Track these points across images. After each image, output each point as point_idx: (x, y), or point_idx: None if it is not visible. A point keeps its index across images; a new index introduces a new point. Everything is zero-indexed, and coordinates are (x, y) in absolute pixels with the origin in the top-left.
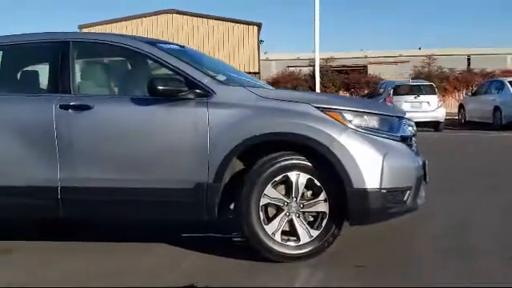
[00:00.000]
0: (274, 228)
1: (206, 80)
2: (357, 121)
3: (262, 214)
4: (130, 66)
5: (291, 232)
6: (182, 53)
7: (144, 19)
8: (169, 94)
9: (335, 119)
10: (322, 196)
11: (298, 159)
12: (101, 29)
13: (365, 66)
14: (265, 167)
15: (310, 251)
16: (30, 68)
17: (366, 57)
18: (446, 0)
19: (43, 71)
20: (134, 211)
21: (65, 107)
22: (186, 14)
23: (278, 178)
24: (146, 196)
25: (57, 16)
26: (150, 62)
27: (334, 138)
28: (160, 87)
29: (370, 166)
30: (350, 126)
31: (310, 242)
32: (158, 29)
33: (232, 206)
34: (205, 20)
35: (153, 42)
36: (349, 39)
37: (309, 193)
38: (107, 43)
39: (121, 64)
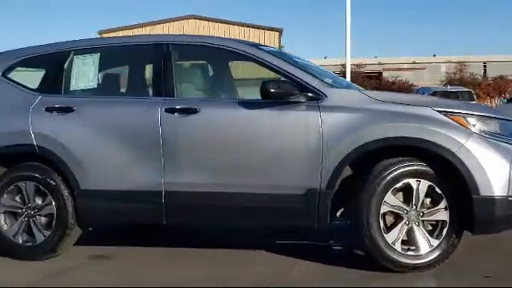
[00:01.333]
0: (394, 237)
1: (316, 83)
2: (480, 125)
3: (381, 223)
4: (231, 69)
5: (409, 241)
6: (284, 55)
7: (164, 25)
8: (280, 96)
9: (459, 123)
10: (443, 204)
11: (418, 165)
12: (121, 34)
13: (380, 73)
14: (385, 173)
15: (429, 261)
16: (129, 70)
17: (379, 63)
18: (461, 7)
19: (141, 73)
20: (242, 217)
21: (170, 110)
22: (205, 20)
23: (398, 185)
24: (255, 202)
25: (75, 22)
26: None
27: (461, 143)
28: (272, 90)
29: (497, 172)
30: (474, 130)
31: (430, 251)
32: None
33: (338, 214)
34: (225, 25)
35: (256, 45)
36: (363, 46)
37: (428, 200)
38: (210, 46)
39: (223, 67)
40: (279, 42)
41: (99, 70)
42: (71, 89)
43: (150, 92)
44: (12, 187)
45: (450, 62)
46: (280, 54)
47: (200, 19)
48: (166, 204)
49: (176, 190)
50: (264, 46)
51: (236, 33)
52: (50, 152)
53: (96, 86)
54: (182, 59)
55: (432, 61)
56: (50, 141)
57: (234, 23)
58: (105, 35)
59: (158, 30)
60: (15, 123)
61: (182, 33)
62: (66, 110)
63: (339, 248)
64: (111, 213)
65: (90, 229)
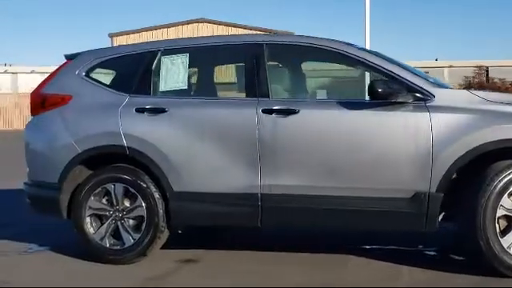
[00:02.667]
0: (510, 241)
1: (422, 82)
2: None
3: (497, 227)
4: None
5: None
6: (381, 55)
7: (174, 28)
8: (388, 96)
9: None
10: None
11: None
12: (131, 37)
13: None
14: (502, 176)
15: None
16: (219, 70)
17: None
18: (461, 12)
19: (233, 74)
20: (343, 221)
21: (268, 111)
22: (215, 23)
23: None
24: (357, 205)
25: (86, 25)
26: (350, 63)
27: None
28: (380, 89)
29: None
30: None
31: None
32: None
33: (440, 217)
34: (234, 29)
35: (352, 44)
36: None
37: None
38: (305, 45)
39: (317, 67)
40: None
41: (189, 71)
42: (161, 89)
43: (243, 93)
44: (99, 189)
45: (452, 66)
46: (376, 54)
47: (210, 23)
48: (262, 206)
49: (273, 193)
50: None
51: None
52: (142, 153)
53: (186, 87)
54: (275, 59)
55: (434, 65)
56: (141, 142)
57: (244, 27)
58: (115, 38)
59: (170, 33)
60: (103, 124)
61: (191, 36)
62: (158, 110)
63: (433, 253)
64: (205, 215)
65: (180, 231)
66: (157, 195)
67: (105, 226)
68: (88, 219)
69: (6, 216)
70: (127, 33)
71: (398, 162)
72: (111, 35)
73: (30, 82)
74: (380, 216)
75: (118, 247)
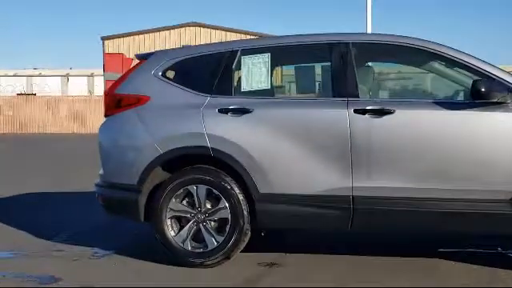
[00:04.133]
0: None
1: None
2: None
3: None
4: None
5: None
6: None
7: (167, 32)
8: (490, 96)
9: None
10: None
11: None
12: (124, 41)
13: None
14: None
15: None
16: (303, 70)
17: None
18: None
19: (318, 73)
20: (440, 223)
21: (361, 112)
22: (206, 27)
23: None
24: (458, 207)
25: (78, 28)
26: (446, 64)
27: None
28: (483, 89)
29: None
30: None
31: None
32: (179, 41)
33: None
34: (226, 33)
35: (443, 45)
36: None
37: None
38: (396, 45)
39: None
40: None
41: (271, 70)
42: (242, 90)
43: (330, 92)
44: (181, 191)
45: None
46: (469, 54)
47: (201, 26)
48: (354, 209)
49: (366, 195)
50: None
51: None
52: (226, 154)
53: (269, 87)
54: (360, 58)
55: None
56: (225, 143)
57: (235, 31)
58: (108, 41)
59: (162, 36)
60: (185, 125)
61: (185, 40)
62: (243, 111)
63: None
64: (293, 218)
65: (262, 234)
66: (241, 197)
67: (186, 228)
68: (169, 222)
69: (49, 218)
70: (120, 36)
71: (501, 163)
72: (103, 38)
73: None
74: (485, 218)
75: (201, 250)
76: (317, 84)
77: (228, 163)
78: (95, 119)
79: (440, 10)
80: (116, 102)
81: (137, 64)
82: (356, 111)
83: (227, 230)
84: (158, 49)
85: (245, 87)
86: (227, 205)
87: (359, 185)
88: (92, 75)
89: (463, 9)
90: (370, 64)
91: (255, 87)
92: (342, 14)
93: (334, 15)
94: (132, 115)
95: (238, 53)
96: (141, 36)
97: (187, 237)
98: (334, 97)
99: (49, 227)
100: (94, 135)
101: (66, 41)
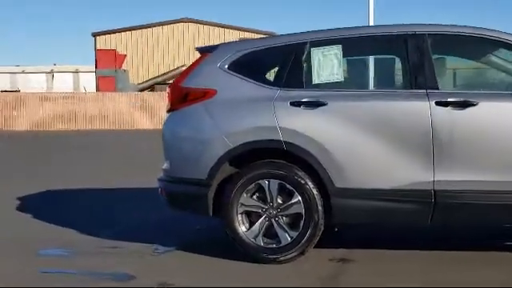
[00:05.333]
0: None
1: None
2: None
3: None
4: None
5: None
6: None
7: (159, 28)
8: None
9: None
10: None
11: None
12: (115, 37)
13: None
14: None
15: None
16: (376, 62)
17: None
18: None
19: (393, 65)
20: None
21: (443, 104)
22: (200, 23)
23: None
24: None
25: (67, 23)
26: None
27: None
28: None
29: None
30: None
31: None
32: (172, 37)
33: None
34: (219, 29)
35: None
36: None
37: None
38: (469, 35)
39: (483, 57)
40: None
41: (343, 62)
42: (314, 82)
43: (408, 84)
44: (252, 186)
45: None
46: None
47: (195, 22)
48: (436, 203)
49: (447, 189)
50: None
51: (230, 36)
52: (300, 148)
53: (342, 79)
54: (440, 49)
55: None
56: (299, 137)
57: (229, 27)
58: (99, 37)
59: (155, 32)
60: (257, 119)
61: (178, 36)
62: (316, 104)
63: None
64: (370, 212)
65: (336, 229)
66: (315, 191)
67: (258, 223)
68: (240, 217)
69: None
70: (111, 32)
71: None
72: (94, 34)
73: None
74: None
75: (274, 245)
76: (392, 76)
77: (302, 157)
78: None
79: (441, 7)
80: (183, 96)
81: (200, 57)
82: (438, 103)
83: (301, 225)
84: (150, 45)
85: (316, 80)
86: (301, 199)
87: (440, 178)
88: (77, 71)
89: (465, 5)
90: (444, 56)
91: (327, 79)
92: (341, 10)
93: (333, 11)
94: (199, 109)
95: (307, 45)
96: (133, 32)
97: (259, 232)
98: (412, 89)
99: (91, 223)
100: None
101: (49, 37)
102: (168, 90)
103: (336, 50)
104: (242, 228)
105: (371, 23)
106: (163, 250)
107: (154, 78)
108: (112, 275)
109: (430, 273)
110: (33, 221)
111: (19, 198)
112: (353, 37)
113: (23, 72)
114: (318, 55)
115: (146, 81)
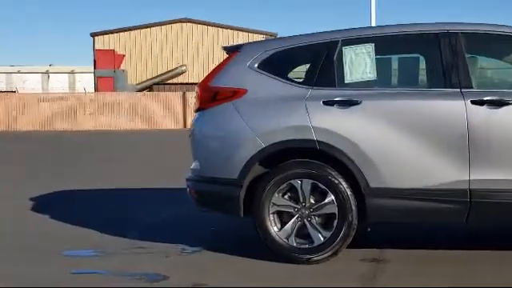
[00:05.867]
0: None
1: None
2: None
3: None
4: None
5: None
6: None
7: (157, 28)
8: None
9: None
10: None
11: None
12: (114, 37)
13: None
14: None
15: None
16: (409, 60)
17: None
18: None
19: (426, 63)
20: None
21: (479, 103)
22: (198, 23)
23: None
24: None
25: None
26: None
27: None
28: None
29: None
30: None
31: None
32: (171, 37)
33: None
34: (217, 29)
35: None
36: None
37: None
38: (503, 34)
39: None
40: None
41: (375, 61)
42: (346, 81)
43: (442, 83)
44: (284, 185)
45: None
46: None
47: (194, 23)
48: (472, 203)
49: (484, 188)
50: None
51: (230, 36)
52: (334, 148)
53: (375, 78)
54: (473, 48)
55: None
56: (333, 136)
57: (227, 27)
58: (97, 37)
59: (153, 32)
60: (289, 118)
61: (175, 36)
62: (350, 103)
63: None
64: (405, 212)
65: (368, 229)
66: (349, 191)
67: (290, 223)
68: (271, 217)
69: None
70: (109, 32)
71: None
72: (93, 34)
73: None
74: None
75: (307, 246)
76: (425, 75)
77: (335, 156)
78: None
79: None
80: (212, 95)
81: (229, 56)
82: (473, 102)
83: (335, 225)
84: (149, 45)
85: (348, 78)
86: (335, 199)
87: (476, 177)
88: (73, 72)
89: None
90: (477, 55)
91: (360, 78)
92: (342, 11)
93: (333, 12)
94: (230, 108)
95: (339, 43)
96: (131, 32)
97: (292, 232)
98: (446, 88)
99: (113, 223)
100: None
101: (45, 37)
102: (197, 89)
103: (368, 49)
104: (273, 228)
105: (373, 23)
106: (191, 250)
107: (152, 78)
108: (145, 275)
109: (465, 275)
110: (51, 221)
111: (34, 198)
112: (385, 35)
113: (19, 72)
114: (350, 54)
115: (145, 81)
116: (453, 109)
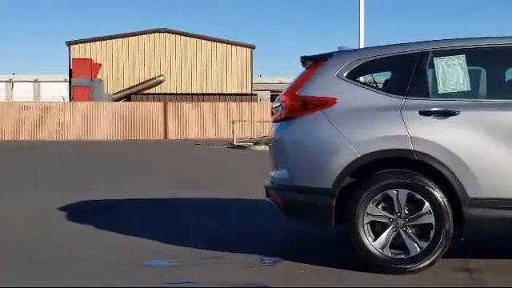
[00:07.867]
0: None
1: None
2: None
3: None
4: None
5: None
6: None
7: (134, 38)
8: None
9: None
10: None
11: None
12: (90, 46)
13: None
14: None
15: None
16: (504, 71)
17: None
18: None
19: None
20: None
21: None
22: (177, 34)
23: None
24: None
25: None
26: None
27: None
28: None
29: None
30: None
31: None
32: (148, 47)
33: None
34: (196, 40)
35: None
36: None
37: None
38: None
39: None
40: (251, 58)
41: (468, 72)
42: (439, 92)
43: None
44: (379, 196)
45: None
46: None
47: (172, 33)
48: None
49: None
50: None
51: (208, 47)
52: (432, 158)
53: (469, 89)
54: None
55: None
56: (430, 146)
57: (205, 38)
58: (73, 46)
59: (132, 42)
60: (385, 128)
61: (153, 46)
62: (447, 113)
63: None
64: (504, 222)
65: (462, 239)
66: (446, 201)
67: (385, 233)
68: (366, 227)
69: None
70: (86, 41)
71: None
72: (69, 43)
73: None
74: None
75: (402, 256)
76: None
77: (433, 166)
78: None
79: (433, 15)
80: (302, 104)
81: (315, 65)
82: None
83: (431, 235)
84: (125, 55)
85: (442, 89)
86: (432, 210)
87: None
88: (36, 81)
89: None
90: None
91: (453, 89)
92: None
93: (321, 25)
94: (320, 117)
95: (430, 54)
96: (108, 41)
97: (387, 243)
98: None
99: (171, 233)
100: None
101: (8, 45)
102: (283, 98)
103: (461, 60)
104: (368, 238)
105: (361, 34)
106: (270, 260)
107: (130, 88)
108: (247, 284)
109: None
110: (106, 233)
111: (82, 209)
112: (477, 47)
113: None
114: (441, 64)
115: (122, 91)
116: None
